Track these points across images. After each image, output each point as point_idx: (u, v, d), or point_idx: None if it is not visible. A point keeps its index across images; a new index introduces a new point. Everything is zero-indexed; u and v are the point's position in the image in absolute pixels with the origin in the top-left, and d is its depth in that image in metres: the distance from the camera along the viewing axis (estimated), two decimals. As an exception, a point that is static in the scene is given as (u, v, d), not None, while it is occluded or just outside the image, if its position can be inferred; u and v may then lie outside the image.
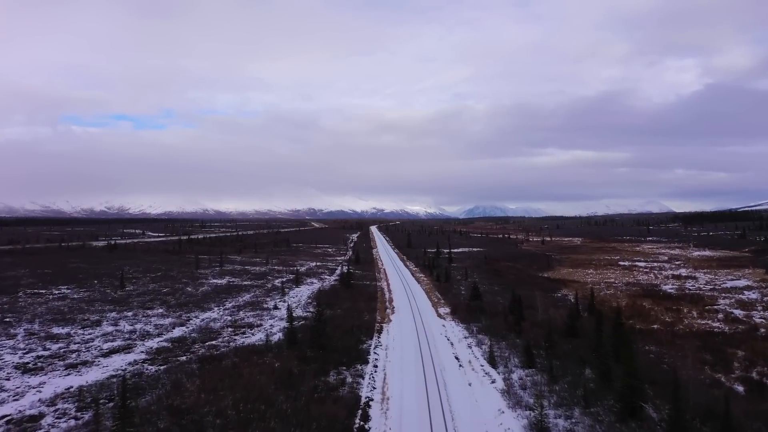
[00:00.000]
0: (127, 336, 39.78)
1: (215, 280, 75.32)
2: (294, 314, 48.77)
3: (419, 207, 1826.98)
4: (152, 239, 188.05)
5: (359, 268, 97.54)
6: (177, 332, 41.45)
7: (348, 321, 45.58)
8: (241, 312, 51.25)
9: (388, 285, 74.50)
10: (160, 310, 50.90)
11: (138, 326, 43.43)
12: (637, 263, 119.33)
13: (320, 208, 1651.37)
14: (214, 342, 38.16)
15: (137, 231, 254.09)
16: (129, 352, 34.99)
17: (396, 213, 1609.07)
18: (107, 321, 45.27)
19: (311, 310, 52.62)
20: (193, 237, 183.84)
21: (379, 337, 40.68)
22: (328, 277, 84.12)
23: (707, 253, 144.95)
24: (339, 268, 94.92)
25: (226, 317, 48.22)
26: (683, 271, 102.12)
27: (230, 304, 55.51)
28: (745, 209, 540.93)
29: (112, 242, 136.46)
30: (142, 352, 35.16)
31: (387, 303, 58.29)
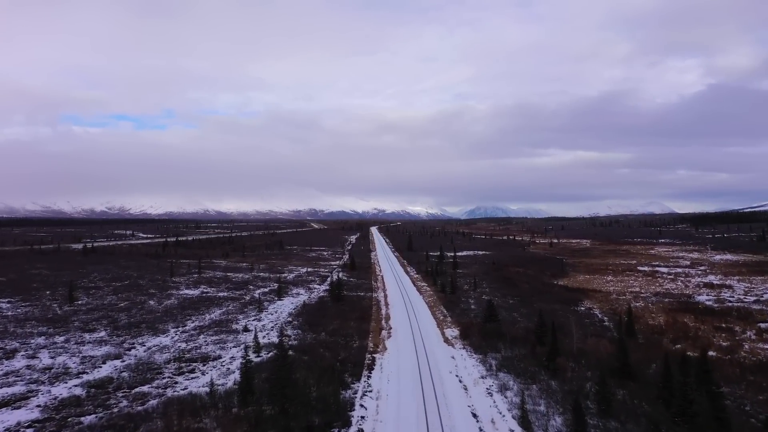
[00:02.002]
0: (36, 376, 30.03)
1: (187, 291, 65.59)
2: (265, 341, 39.10)
3: (421, 207, 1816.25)
4: (138, 241, 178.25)
5: (354, 275, 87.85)
6: (106, 369, 31.70)
7: (331, 351, 35.89)
8: (201, 336, 41.48)
9: (386, 297, 64.70)
10: (102, 334, 41.18)
11: (60, 359, 33.72)
12: (657, 268, 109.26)
13: (321, 209, 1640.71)
14: (145, 387, 28.33)
15: (127, 232, 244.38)
16: (19, 407, 25.21)
17: (397, 213, 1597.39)
18: (26, 350, 35.57)
19: (290, 332, 42.89)
20: (182, 239, 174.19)
21: (369, 378, 30.94)
22: (317, 286, 74.34)
23: (729, 257, 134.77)
24: (332, 275, 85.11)
25: (179, 344, 38.44)
26: (713, 278, 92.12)
27: (192, 324, 45.74)
28: (750, 210, 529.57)
29: (89, 245, 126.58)
30: (39, 406, 25.37)
31: (383, 322, 48.52)
